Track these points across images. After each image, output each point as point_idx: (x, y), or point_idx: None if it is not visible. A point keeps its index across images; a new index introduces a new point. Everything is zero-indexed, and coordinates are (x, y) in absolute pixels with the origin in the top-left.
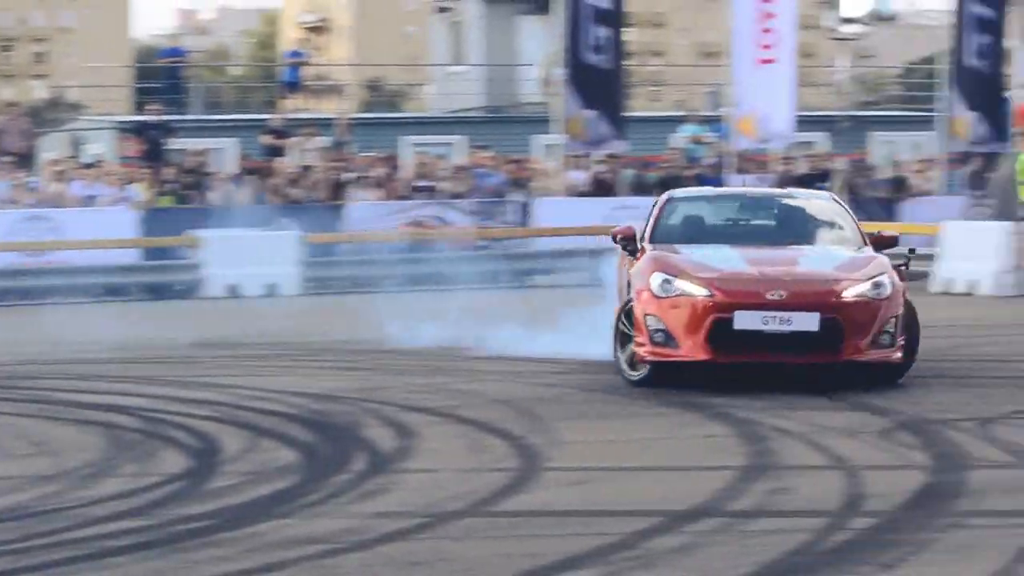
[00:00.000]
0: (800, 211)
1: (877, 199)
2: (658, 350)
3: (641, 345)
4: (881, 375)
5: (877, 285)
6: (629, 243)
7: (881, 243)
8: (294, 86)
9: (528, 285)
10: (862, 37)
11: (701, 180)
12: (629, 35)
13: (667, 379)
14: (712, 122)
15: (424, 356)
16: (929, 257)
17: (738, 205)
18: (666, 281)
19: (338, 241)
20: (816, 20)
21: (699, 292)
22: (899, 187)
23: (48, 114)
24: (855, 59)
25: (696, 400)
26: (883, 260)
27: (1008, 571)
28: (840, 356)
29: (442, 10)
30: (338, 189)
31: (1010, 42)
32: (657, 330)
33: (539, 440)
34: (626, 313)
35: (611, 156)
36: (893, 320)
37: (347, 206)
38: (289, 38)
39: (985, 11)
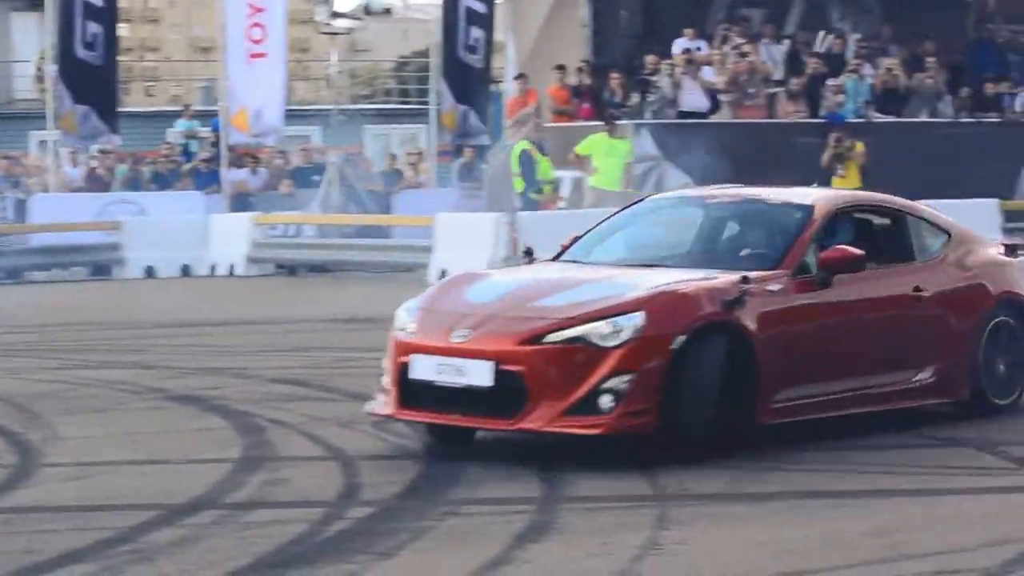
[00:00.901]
0: (756, 222)
1: (372, 192)
2: (376, 399)
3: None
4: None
5: (613, 327)
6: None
7: (835, 265)
8: None
9: (25, 281)
10: (354, 31)
11: (196, 175)
12: (122, 31)
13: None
14: (206, 117)
15: None
16: (426, 249)
17: (702, 214)
18: (406, 311)
19: None
20: (309, 15)
21: (410, 327)
22: (393, 180)
23: None
24: (348, 53)
25: (194, 393)
26: (685, 289)
27: (504, 556)
28: (516, 423)
29: None
30: None
31: (500, 35)
32: (381, 374)
33: (36, 436)
34: None
35: (105, 151)
36: (627, 376)
37: None
38: None
39: (477, 5)
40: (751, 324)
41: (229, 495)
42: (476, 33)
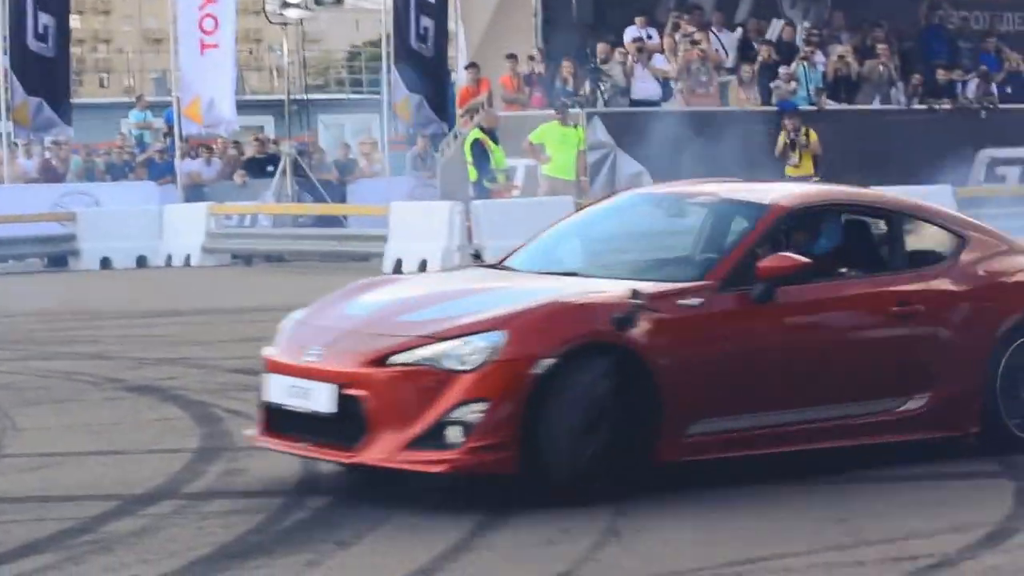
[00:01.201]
0: (707, 224)
1: (326, 182)
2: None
3: None
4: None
5: (466, 348)
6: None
7: (774, 276)
8: None
9: None
10: (305, 21)
11: (150, 165)
12: (74, 22)
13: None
14: (159, 108)
15: None
16: (381, 238)
17: (658, 215)
18: (289, 321)
19: None
20: (260, 5)
21: (277, 342)
22: (347, 169)
23: None
24: (300, 43)
25: (152, 384)
26: (559, 305)
27: (463, 544)
28: (355, 456)
29: None
30: None
31: (452, 25)
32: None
33: None
34: None
35: (58, 143)
36: (480, 405)
37: None
38: None
39: None
40: (649, 345)
41: (188, 485)
42: (426, 22)
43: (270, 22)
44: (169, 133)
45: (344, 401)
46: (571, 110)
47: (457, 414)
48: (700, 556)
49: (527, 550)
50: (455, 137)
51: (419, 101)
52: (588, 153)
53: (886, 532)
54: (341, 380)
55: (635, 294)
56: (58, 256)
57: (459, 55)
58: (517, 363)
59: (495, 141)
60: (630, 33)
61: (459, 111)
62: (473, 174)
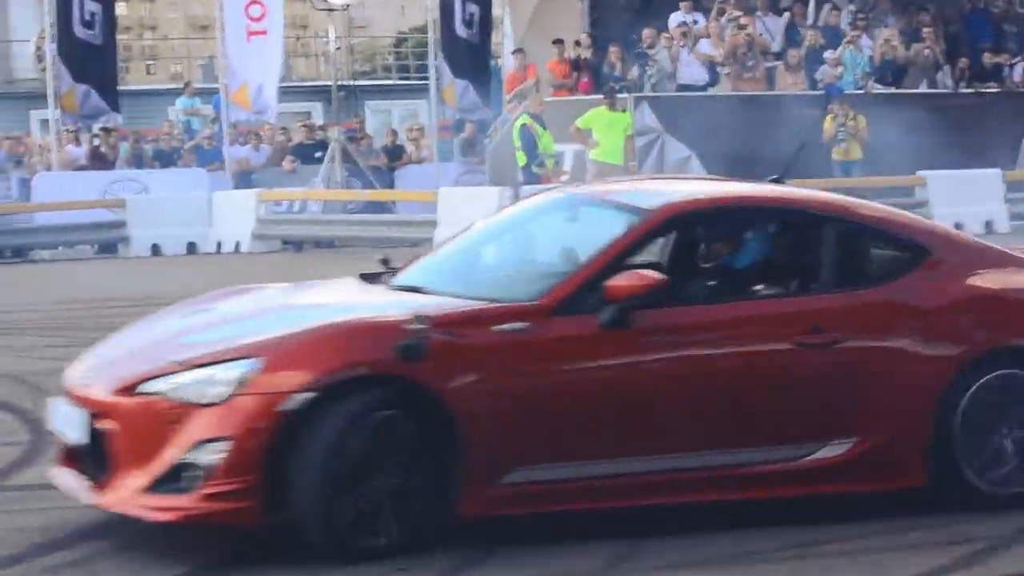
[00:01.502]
0: (584, 232)
1: (374, 167)
2: None
3: None
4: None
5: (212, 378)
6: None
7: (624, 297)
8: None
9: (30, 260)
10: (351, 7)
11: (199, 152)
12: (120, 9)
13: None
14: (207, 94)
15: None
16: (430, 223)
17: (545, 221)
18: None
19: None
20: None
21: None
22: (395, 155)
23: None
24: (346, 29)
25: None
26: (325, 330)
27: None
28: (98, 495)
29: None
30: None
31: (497, 11)
32: None
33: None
34: None
35: (106, 130)
36: (219, 445)
37: None
38: None
39: None
40: (446, 378)
41: None
42: (472, 8)
43: (316, 8)
44: (216, 119)
45: (94, 432)
46: (619, 95)
47: (195, 455)
48: (757, 539)
49: (585, 532)
50: (503, 123)
51: (465, 87)
52: (636, 138)
53: (938, 517)
54: (92, 408)
55: (417, 318)
56: (108, 243)
57: (505, 41)
58: (267, 397)
59: (543, 126)
60: (676, 18)
61: (507, 96)
62: (521, 159)
